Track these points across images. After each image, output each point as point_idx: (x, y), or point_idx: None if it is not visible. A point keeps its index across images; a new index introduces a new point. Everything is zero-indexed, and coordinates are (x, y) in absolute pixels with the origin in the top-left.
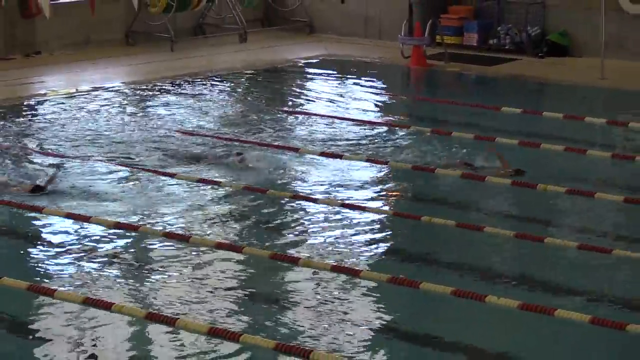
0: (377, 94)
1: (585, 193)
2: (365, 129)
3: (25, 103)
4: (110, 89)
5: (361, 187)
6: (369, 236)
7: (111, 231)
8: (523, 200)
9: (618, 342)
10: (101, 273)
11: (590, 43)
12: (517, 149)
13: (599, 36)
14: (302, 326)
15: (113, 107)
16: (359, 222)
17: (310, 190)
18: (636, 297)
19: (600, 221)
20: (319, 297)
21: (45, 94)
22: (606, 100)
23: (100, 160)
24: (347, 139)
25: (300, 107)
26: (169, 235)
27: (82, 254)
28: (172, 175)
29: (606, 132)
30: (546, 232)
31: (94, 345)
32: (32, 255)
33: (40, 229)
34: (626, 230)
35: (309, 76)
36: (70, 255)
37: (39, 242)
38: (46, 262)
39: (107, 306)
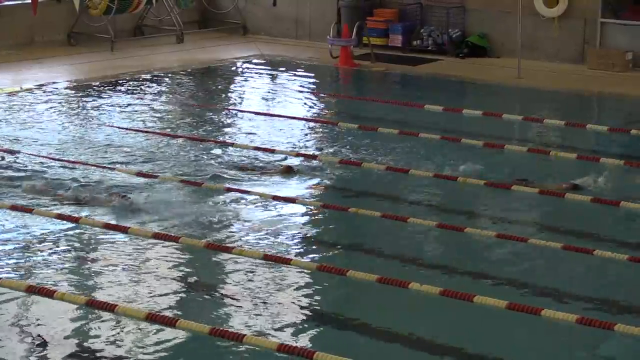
0: (307, 92)
1: (503, 186)
2: (295, 126)
3: None
4: (53, 88)
5: (292, 180)
6: (299, 227)
7: (54, 221)
8: (445, 193)
9: (533, 327)
10: (44, 262)
11: (507, 44)
12: (439, 144)
13: (516, 38)
14: (236, 312)
15: (54, 105)
16: (290, 214)
17: (243, 183)
18: (550, 284)
19: (518, 212)
20: (251, 284)
21: None
22: (522, 98)
23: (37, 156)
24: (279, 135)
25: (234, 104)
26: (108, 226)
27: (25, 244)
28: (111, 169)
29: (523, 128)
30: (467, 222)
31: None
32: None
33: None
34: (542, 220)
35: (242, 75)
36: (13, 245)
37: None
38: None
39: (49, 294)
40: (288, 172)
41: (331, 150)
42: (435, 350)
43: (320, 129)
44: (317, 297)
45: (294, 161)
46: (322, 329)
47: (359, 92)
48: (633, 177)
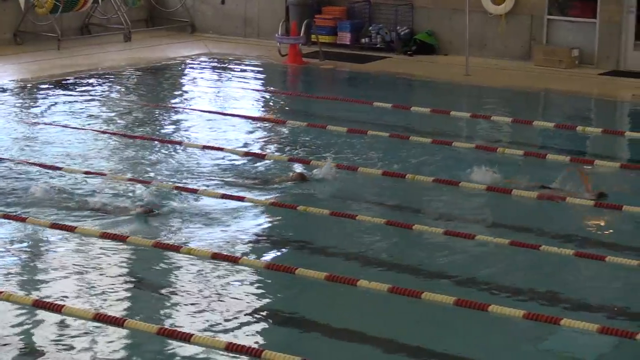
0: (255, 90)
1: (450, 182)
2: (244, 124)
3: None
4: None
5: (241, 179)
6: (248, 225)
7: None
8: (394, 190)
9: (480, 322)
10: None
11: (455, 42)
12: (387, 141)
13: (464, 35)
14: (184, 311)
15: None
16: (238, 212)
17: (192, 182)
18: (497, 280)
19: (465, 209)
20: (200, 283)
21: None
22: (470, 95)
23: None
24: (227, 133)
25: (182, 103)
26: (55, 226)
27: None
28: (57, 168)
29: (470, 125)
30: (415, 219)
31: None
32: None
33: None
34: (489, 216)
35: (190, 73)
36: None
37: None
38: None
39: None
40: (301, 179)
41: (279, 148)
42: (384, 346)
43: (269, 127)
44: (265, 296)
45: (242, 160)
46: (270, 327)
47: (308, 89)
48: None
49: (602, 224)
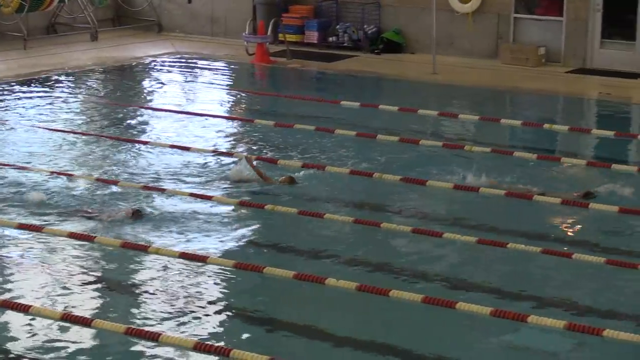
0: (222, 89)
1: (418, 181)
2: (211, 123)
3: None
4: None
5: (209, 178)
6: (216, 225)
7: None
8: (362, 189)
9: (448, 320)
10: None
11: (422, 41)
12: (355, 140)
13: (431, 34)
14: (152, 311)
15: None
16: (207, 212)
17: (160, 181)
18: (464, 278)
19: (433, 207)
20: (168, 282)
21: None
22: (438, 93)
23: None
24: (194, 132)
25: (149, 102)
26: (22, 226)
27: None
28: (25, 168)
29: (438, 124)
30: (383, 217)
31: None
32: None
33: None
34: (457, 214)
35: (157, 73)
36: None
37: None
38: None
39: None
40: (290, 182)
41: (248, 147)
42: (352, 344)
43: (237, 126)
44: (234, 295)
45: (211, 159)
46: (239, 326)
47: (275, 88)
48: (545, 170)
49: (570, 221)
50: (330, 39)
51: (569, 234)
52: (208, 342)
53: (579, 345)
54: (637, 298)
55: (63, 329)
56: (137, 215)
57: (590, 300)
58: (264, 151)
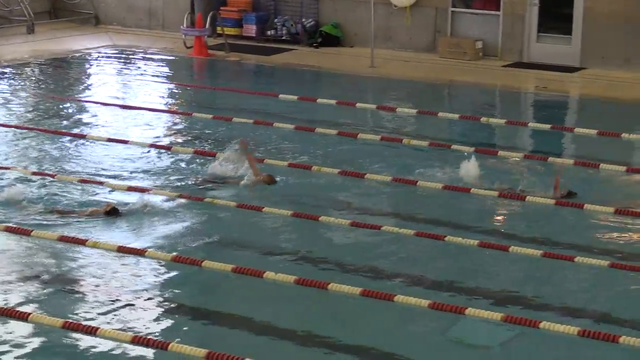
0: (161, 82)
1: (356, 174)
2: (149, 117)
3: None
4: None
5: (147, 171)
6: (153, 217)
7: None
8: (300, 182)
9: (387, 313)
10: None
11: (360, 34)
12: (293, 133)
13: (369, 27)
14: (90, 305)
15: None
16: (148, 206)
17: (97, 174)
18: (403, 271)
19: (371, 200)
20: (105, 276)
21: None
22: (376, 87)
23: None
24: (133, 126)
25: (86, 95)
26: None
27: None
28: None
29: (376, 117)
30: (321, 211)
31: None
32: None
33: None
34: (395, 208)
35: (94, 66)
36: None
37: None
38: None
39: None
40: (269, 182)
41: (186, 140)
42: (291, 337)
43: (175, 120)
44: (172, 289)
45: (149, 153)
46: (177, 319)
47: (214, 82)
48: (483, 163)
49: (507, 214)
50: (269, 32)
51: (507, 226)
52: (146, 336)
53: (516, 337)
54: (573, 290)
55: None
56: (113, 212)
57: (528, 292)
58: (203, 145)
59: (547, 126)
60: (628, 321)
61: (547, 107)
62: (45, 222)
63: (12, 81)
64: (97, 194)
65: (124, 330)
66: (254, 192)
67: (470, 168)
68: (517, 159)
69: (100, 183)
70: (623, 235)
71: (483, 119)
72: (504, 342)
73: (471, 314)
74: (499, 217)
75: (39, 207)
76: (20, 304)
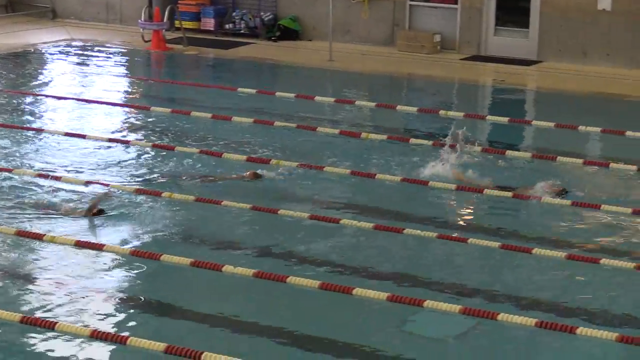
0: (118, 76)
1: (315, 167)
2: (107, 111)
3: None
4: None
5: (105, 166)
6: (112, 212)
7: None
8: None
9: (346, 305)
10: None
11: (319, 27)
12: (252, 127)
13: (327, 21)
14: (48, 300)
15: None
16: (106, 201)
17: (55, 169)
18: (362, 263)
19: (330, 193)
20: (63, 271)
21: None
22: (334, 80)
23: None
24: (90, 120)
25: (43, 89)
26: None
27: None
28: None
29: (335, 110)
30: (280, 204)
31: None
32: None
33: None
34: (354, 201)
35: (52, 60)
36: None
37: None
38: None
39: None
40: (255, 177)
41: (144, 134)
42: (250, 330)
43: (133, 114)
44: (131, 283)
45: (108, 147)
46: (136, 314)
47: (172, 76)
48: (439, 156)
49: (465, 207)
50: (227, 26)
51: (465, 219)
52: (105, 331)
53: (472, 329)
54: (531, 282)
55: None
56: (99, 213)
57: (486, 285)
58: (161, 138)
59: (505, 119)
60: (585, 312)
61: (505, 100)
62: (4, 216)
63: None
64: (56, 188)
65: (82, 324)
66: (215, 185)
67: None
68: (475, 152)
69: (58, 178)
70: (581, 226)
71: (441, 112)
72: (462, 333)
73: (429, 306)
74: (457, 210)
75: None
76: None
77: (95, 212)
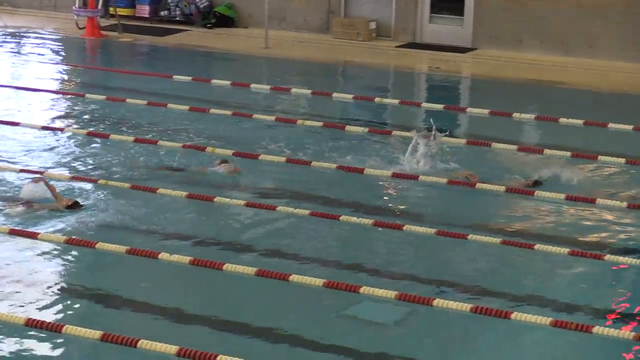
0: (52, 64)
1: (251, 155)
2: (41, 98)
3: None
4: None
5: (39, 154)
6: (47, 200)
7: None
8: (194, 163)
9: (283, 292)
10: None
11: (255, 15)
12: (187, 114)
13: (263, 8)
14: None
15: None
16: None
17: None
18: (298, 250)
19: (266, 180)
20: None
21: None
22: (270, 68)
23: None
24: (24, 108)
25: None
26: None
27: None
28: None
29: (270, 98)
30: (216, 192)
31: None
32: None
33: None
34: (290, 187)
35: None
36: None
37: None
38: None
39: None
40: (233, 171)
41: (79, 122)
42: (186, 318)
43: (67, 101)
44: (66, 271)
45: (42, 135)
46: (71, 302)
47: (107, 63)
48: (374, 143)
49: (401, 194)
50: (162, 12)
51: (400, 205)
52: (40, 319)
53: (409, 315)
54: (466, 268)
55: None
56: (75, 206)
57: (421, 271)
58: (97, 127)
59: (440, 106)
60: (520, 297)
61: (440, 87)
62: None
63: None
64: None
65: (16, 313)
66: (151, 173)
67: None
68: (411, 139)
69: None
70: (515, 213)
71: (377, 100)
72: (399, 320)
73: (366, 292)
74: (393, 197)
75: None
76: None
77: (69, 204)
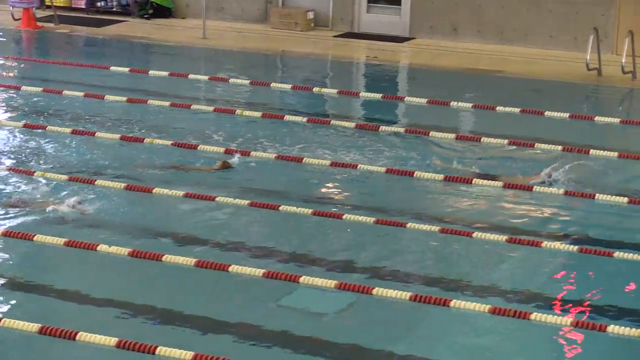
0: None
1: (189, 146)
2: None
3: None
4: None
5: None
6: None
7: None
8: (131, 155)
9: (222, 282)
10: None
11: (192, 5)
12: (125, 106)
13: None
14: None
15: None
16: None
17: None
18: (238, 240)
19: (203, 172)
20: None
21: None
22: (208, 58)
23: None
24: None
25: None
26: None
27: None
28: None
29: (209, 88)
30: (154, 183)
31: None
32: None
33: None
34: (228, 178)
35: None
36: None
37: None
38: None
39: None
40: (225, 167)
41: (15, 114)
42: (126, 309)
43: (3, 93)
44: (3, 264)
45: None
46: (9, 295)
47: (43, 54)
48: (313, 133)
49: (340, 183)
50: (99, 3)
51: (340, 195)
52: None
53: (349, 304)
54: (406, 255)
55: None
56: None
57: (361, 259)
58: (33, 119)
59: (379, 95)
60: (458, 285)
61: (378, 77)
62: None
63: None
64: None
65: None
66: (89, 165)
67: None
68: (349, 128)
69: None
70: (452, 201)
71: (315, 89)
72: (340, 309)
73: (305, 282)
74: (332, 186)
75: None
76: None
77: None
